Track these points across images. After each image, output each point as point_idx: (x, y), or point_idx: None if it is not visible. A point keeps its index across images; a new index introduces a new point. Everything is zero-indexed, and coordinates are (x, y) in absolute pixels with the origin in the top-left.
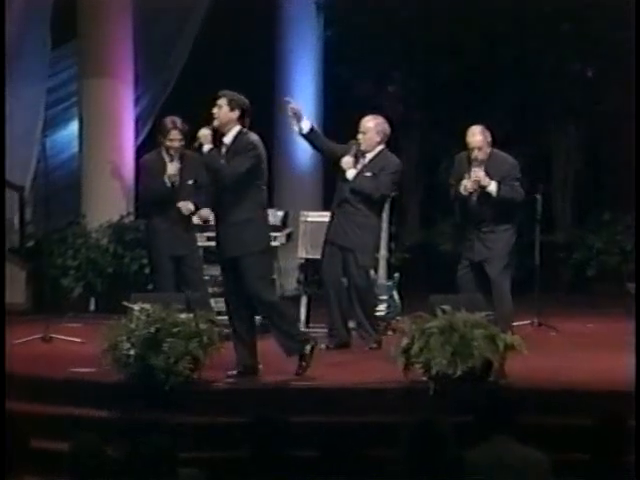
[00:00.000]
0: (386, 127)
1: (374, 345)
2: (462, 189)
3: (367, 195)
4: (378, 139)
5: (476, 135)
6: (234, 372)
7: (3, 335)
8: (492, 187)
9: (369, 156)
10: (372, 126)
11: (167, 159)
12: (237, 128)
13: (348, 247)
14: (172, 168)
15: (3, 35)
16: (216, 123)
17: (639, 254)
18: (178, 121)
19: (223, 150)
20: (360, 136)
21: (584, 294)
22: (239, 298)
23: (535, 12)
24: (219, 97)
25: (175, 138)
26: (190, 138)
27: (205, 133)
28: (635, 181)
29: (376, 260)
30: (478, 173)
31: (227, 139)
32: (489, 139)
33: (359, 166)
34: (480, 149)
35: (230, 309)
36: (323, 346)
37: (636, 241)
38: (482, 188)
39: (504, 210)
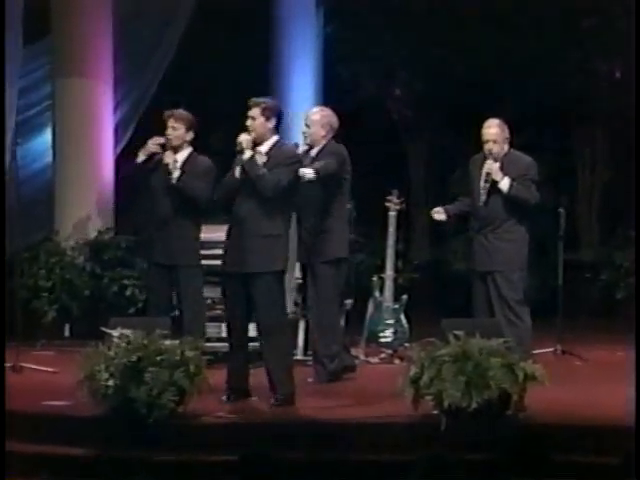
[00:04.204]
0: (333, 120)
1: (310, 379)
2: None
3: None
4: (323, 133)
5: (492, 127)
6: (224, 397)
7: (3, 340)
8: (504, 182)
9: (313, 154)
10: (317, 119)
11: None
12: (274, 138)
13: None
14: (168, 156)
15: (3, 36)
16: (253, 136)
17: (639, 266)
18: (176, 111)
19: (259, 159)
20: (305, 129)
21: (612, 318)
22: (247, 317)
23: (557, 5)
24: (251, 107)
25: (170, 126)
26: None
27: (247, 138)
28: (635, 184)
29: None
30: (490, 165)
31: (263, 148)
32: (507, 135)
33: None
34: (495, 142)
35: (235, 329)
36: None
37: (636, 250)
38: (493, 183)
39: (514, 215)
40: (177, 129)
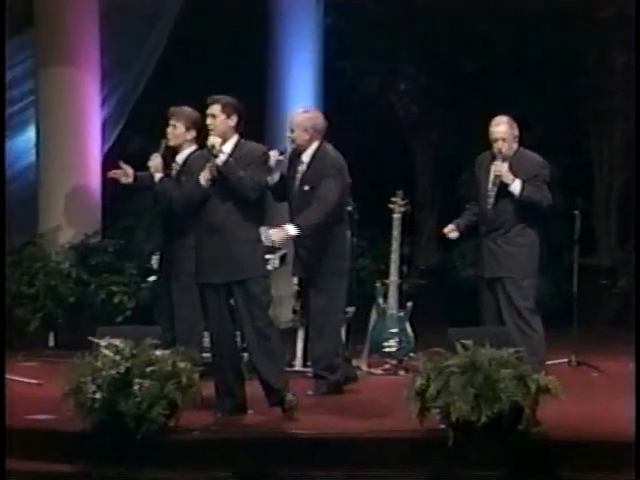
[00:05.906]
0: (317, 122)
1: (310, 392)
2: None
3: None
4: (307, 137)
5: (500, 125)
6: (219, 415)
7: (3, 348)
8: (515, 185)
9: (305, 160)
10: (299, 121)
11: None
12: (236, 137)
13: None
14: (153, 159)
15: (3, 36)
16: (216, 134)
17: (639, 268)
18: (178, 108)
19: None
20: (289, 133)
21: (630, 327)
22: (234, 328)
23: None
24: (210, 104)
25: (171, 125)
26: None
27: (219, 140)
28: (635, 185)
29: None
30: (500, 167)
31: (226, 148)
32: (516, 133)
33: (298, 175)
34: (504, 141)
35: (223, 341)
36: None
37: (636, 253)
38: (503, 186)
39: (524, 218)
40: (177, 128)
